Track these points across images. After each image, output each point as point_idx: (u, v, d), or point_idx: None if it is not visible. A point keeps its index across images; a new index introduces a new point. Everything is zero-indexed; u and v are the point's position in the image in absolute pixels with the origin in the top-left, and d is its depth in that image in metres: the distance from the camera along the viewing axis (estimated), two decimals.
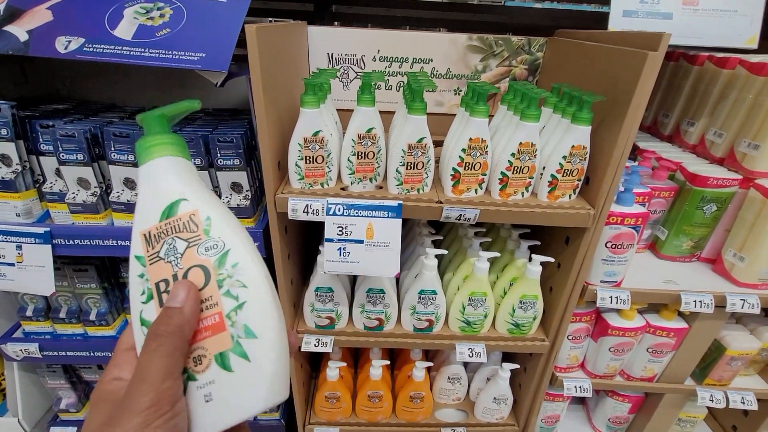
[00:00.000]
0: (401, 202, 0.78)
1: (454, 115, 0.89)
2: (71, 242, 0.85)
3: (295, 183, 0.81)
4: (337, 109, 0.91)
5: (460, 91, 1.15)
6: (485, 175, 0.81)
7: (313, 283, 0.93)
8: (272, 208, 0.80)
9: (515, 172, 0.79)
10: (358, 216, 0.77)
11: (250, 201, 0.87)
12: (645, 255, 1.11)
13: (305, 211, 0.77)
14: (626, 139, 0.74)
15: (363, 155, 0.78)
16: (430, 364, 1.12)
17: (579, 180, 0.82)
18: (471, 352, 0.98)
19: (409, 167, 0.78)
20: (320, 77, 0.78)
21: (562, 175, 0.79)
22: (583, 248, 0.87)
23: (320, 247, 0.84)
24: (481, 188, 0.83)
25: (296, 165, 0.78)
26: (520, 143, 0.76)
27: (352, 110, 0.77)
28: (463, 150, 0.76)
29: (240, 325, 0.31)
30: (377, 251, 0.78)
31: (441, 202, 0.80)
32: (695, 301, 0.91)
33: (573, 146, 0.76)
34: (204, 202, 0.34)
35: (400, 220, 0.78)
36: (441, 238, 1.04)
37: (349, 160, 0.79)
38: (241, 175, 0.85)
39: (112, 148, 0.82)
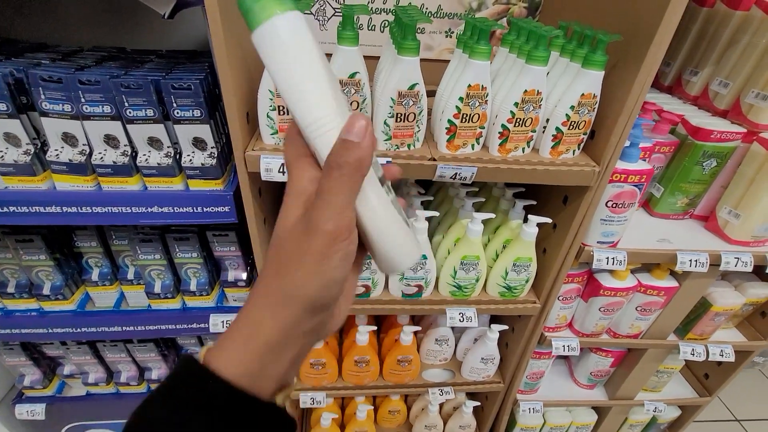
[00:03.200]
0: (390, 159, 0.69)
1: (446, 61, 0.78)
2: (5, 209, 0.72)
3: (267, 138, 0.70)
4: None
5: (452, 33, 1.03)
6: (483, 128, 0.72)
7: None
8: (242, 168, 0.69)
9: (517, 124, 0.71)
10: None
11: (217, 159, 0.76)
12: (637, 213, 1.08)
13: (281, 170, 0.67)
14: (642, 85, 0.66)
15: None
16: (418, 328, 1.09)
17: (585, 134, 0.74)
18: (462, 317, 0.94)
19: (399, 119, 0.68)
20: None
21: (568, 128, 0.72)
22: (583, 208, 0.81)
23: None
24: (478, 143, 0.74)
25: (268, 117, 0.67)
26: (525, 91, 0.67)
27: (331, 54, 0.65)
28: (461, 99, 0.67)
29: None
30: None
31: (435, 160, 0.71)
32: (691, 260, 0.89)
33: (583, 94, 0.68)
34: None
35: None
36: (431, 198, 0.96)
37: None
38: (203, 128, 0.73)
39: (42, 96, 0.68)
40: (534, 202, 0.92)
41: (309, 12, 0.95)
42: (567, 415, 1.36)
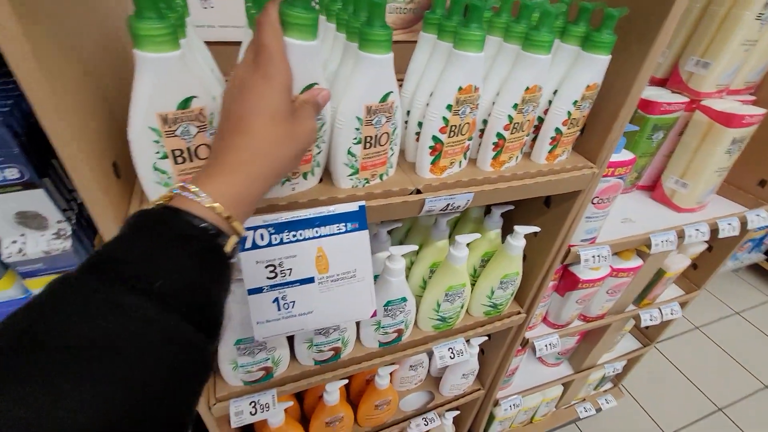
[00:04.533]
0: (363, 203, 0.48)
1: (405, 43, 0.57)
2: None
3: (154, 195, 0.43)
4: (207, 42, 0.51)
5: (406, 9, 0.80)
6: (471, 140, 0.55)
7: (227, 335, 0.60)
8: None
9: (515, 130, 0.55)
10: (298, 240, 0.45)
11: (75, 238, 0.46)
12: None
13: None
14: (650, 68, 0.54)
15: None
16: (395, 366, 0.93)
17: (580, 131, 0.62)
18: (452, 352, 0.80)
19: (368, 144, 0.47)
20: None
21: (568, 127, 0.58)
22: (573, 212, 0.71)
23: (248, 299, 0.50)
24: (465, 158, 0.57)
25: (156, 170, 0.40)
26: (527, 88, 0.51)
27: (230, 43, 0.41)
28: (449, 107, 0.48)
29: None
30: (339, 289, 0.49)
31: (420, 191, 0.52)
32: (663, 240, 0.87)
33: (588, 86, 0.54)
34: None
35: (366, 231, 0.48)
36: (399, 224, 0.77)
37: None
38: (31, 196, 0.43)
39: None
40: (512, 207, 0.79)
41: None
42: (538, 395, 1.36)
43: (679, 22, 0.87)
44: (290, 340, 0.69)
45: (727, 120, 0.86)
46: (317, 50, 0.38)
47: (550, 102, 0.58)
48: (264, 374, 0.68)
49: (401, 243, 0.82)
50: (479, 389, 1.14)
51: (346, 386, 1.05)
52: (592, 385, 1.51)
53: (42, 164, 0.43)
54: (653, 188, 1.05)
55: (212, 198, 0.30)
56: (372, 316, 0.53)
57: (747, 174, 1.02)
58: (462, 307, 0.80)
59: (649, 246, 0.87)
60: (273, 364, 0.67)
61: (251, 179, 0.32)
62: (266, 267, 0.44)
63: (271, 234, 0.43)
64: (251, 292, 0.44)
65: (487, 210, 0.80)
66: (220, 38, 0.71)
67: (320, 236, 0.46)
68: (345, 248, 0.47)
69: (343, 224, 0.47)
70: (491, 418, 1.30)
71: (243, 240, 0.42)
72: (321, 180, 0.50)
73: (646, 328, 1.42)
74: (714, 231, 0.94)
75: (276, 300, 0.46)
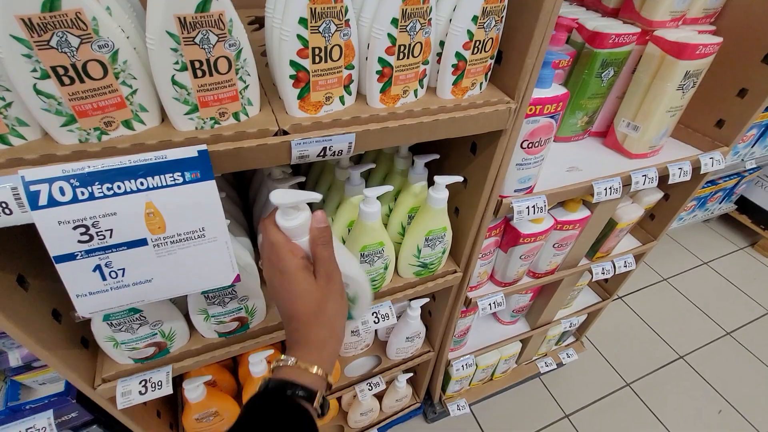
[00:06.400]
0: (204, 147, 0.39)
1: None
2: None
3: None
4: None
5: None
6: (352, 68, 0.46)
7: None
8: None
9: (402, 56, 0.45)
10: (116, 195, 0.37)
11: None
12: None
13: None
14: None
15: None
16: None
17: (492, 58, 0.53)
18: (376, 316, 0.75)
19: (200, 71, 0.38)
20: None
21: (472, 52, 0.49)
22: (497, 157, 0.63)
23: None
24: (350, 93, 0.48)
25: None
26: None
27: None
28: (395, 22, 0.38)
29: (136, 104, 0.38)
30: (183, 252, 0.41)
31: (285, 132, 0.44)
32: (606, 188, 0.80)
33: None
34: None
35: (213, 181, 0.40)
36: (302, 179, 0.69)
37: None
38: None
39: None
40: (437, 156, 0.71)
41: None
42: (495, 353, 1.34)
43: None
44: (186, 312, 0.62)
45: (679, 51, 0.77)
46: None
47: (451, 21, 0.48)
48: (156, 350, 0.61)
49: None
50: (429, 351, 1.11)
51: None
52: (553, 341, 1.50)
53: None
54: (606, 134, 0.98)
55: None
56: (235, 281, 0.45)
57: (704, 114, 0.94)
58: (385, 268, 0.73)
59: (593, 195, 0.80)
60: (165, 338, 0.61)
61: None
62: (75, 228, 0.36)
63: (74, 187, 0.35)
64: (59, 259, 0.36)
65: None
66: None
67: (148, 188, 0.37)
68: (185, 203, 0.39)
69: (179, 173, 0.38)
70: (447, 377, 1.28)
71: (35, 195, 0.34)
72: (163, 122, 0.42)
73: (606, 281, 1.39)
74: (665, 177, 0.87)
75: (98, 268, 0.38)
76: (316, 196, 0.41)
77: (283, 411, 0.37)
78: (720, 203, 2.18)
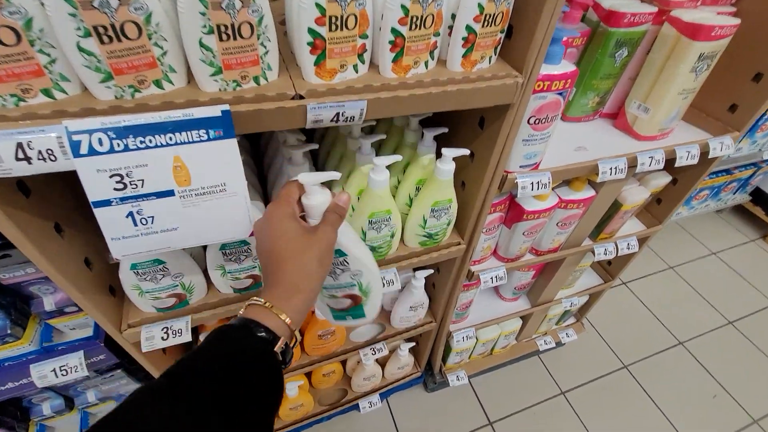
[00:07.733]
0: (227, 107, 0.42)
1: None
2: None
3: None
4: None
5: None
6: (366, 38, 0.48)
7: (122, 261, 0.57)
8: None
9: (415, 26, 0.47)
10: (147, 148, 0.40)
11: None
12: None
13: (23, 156, 0.37)
14: None
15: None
16: None
17: (502, 32, 0.54)
18: (383, 282, 0.79)
19: (225, 35, 0.41)
20: None
21: (482, 26, 0.51)
22: (504, 131, 0.65)
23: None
24: (363, 62, 0.50)
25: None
26: None
27: None
28: None
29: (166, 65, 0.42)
30: (206, 204, 0.45)
31: (302, 96, 0.47)
32: (611, 168, 0.81)
33: None
34: None
35: (234, 140, 0.43)
36: (316, 146, 0.72)
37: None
38: None
39: None
40: (446, 130, 0.73)
41: None
42: (496, 328, 1.39)
43: None
44: (202, 264, 0.67)
45: (694, 32, 0.77)
46: None
47: None
48: (177, 301, 0.66)
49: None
50: (431, 321, 1.16)
51: None
52: (553, 320, 1.54)
53: None
54: (617, 116, 0.98)
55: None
56: (251, 236, 0.49)
57: (717, 98, 0.94)
58: (392, 236, 0.77)
59: (597, 174, 0.82)
60: (185, 290, 0.66)
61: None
62: (111, 177, 0.40)
63: (111, 139, 0.39)
64: (97, 204, 0.40)
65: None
66: None
67: (176, 143, 0.41)
68: (209, 159, 0.43)
69: (204, 131, 0.42)
70: (448, 349, 1.33)
71: (77, 145, 0.38)
72: (189, 83, 0.45)
73: (609, 263, 1.41)
74: (672, 160, 0.88)
75: (131, 214, 0.42)
76: (335, 175, 0.47)
77: (242, 345, 0.38)
78: (734, 194, 2.16)
